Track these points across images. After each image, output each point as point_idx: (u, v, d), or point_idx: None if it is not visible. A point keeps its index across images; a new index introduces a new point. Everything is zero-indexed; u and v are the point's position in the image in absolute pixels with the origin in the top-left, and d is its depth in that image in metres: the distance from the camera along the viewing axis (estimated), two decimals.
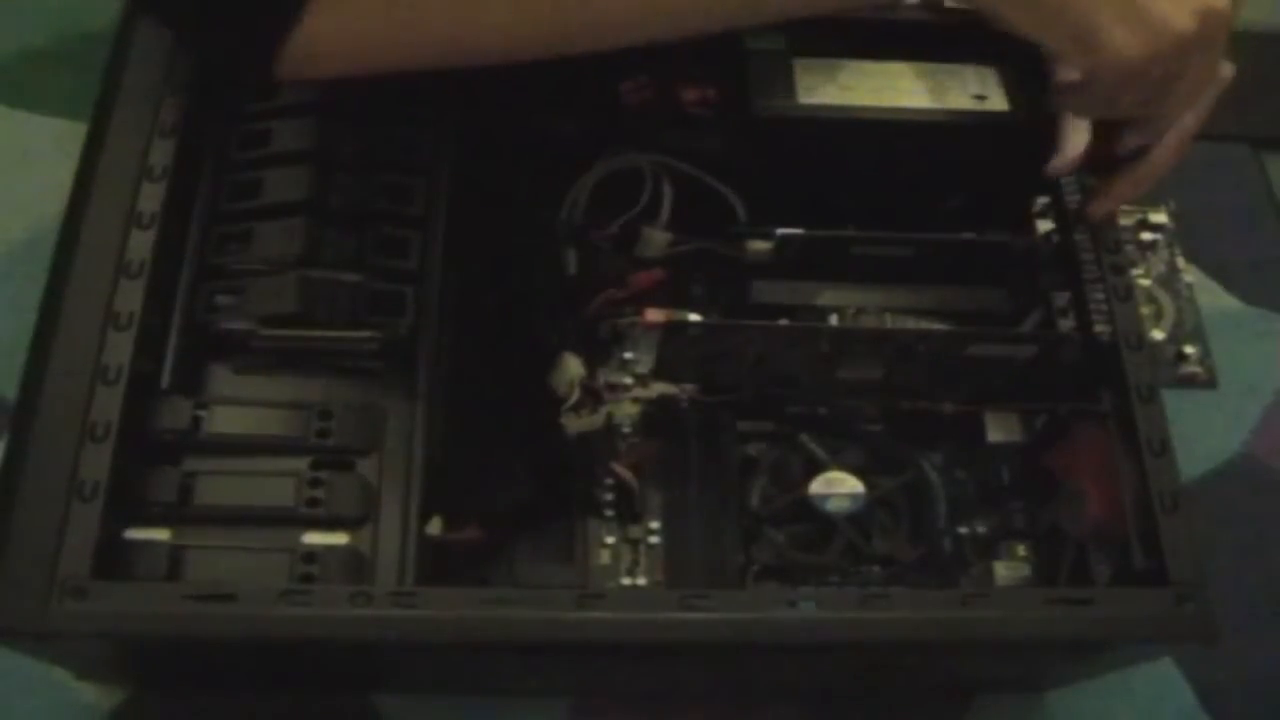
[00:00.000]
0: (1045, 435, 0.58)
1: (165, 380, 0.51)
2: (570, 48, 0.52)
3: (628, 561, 0.56)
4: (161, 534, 0.48)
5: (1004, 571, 0.57)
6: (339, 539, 0.49)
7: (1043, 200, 0.60)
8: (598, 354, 0.57)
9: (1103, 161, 0.57)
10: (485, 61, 0.53)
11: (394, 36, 0.51)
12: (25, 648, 0.48)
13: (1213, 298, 0.74)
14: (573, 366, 0.56)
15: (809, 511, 0.56)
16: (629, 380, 0.57)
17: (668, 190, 0.60)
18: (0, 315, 0.61)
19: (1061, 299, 0.58)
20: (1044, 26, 0.51)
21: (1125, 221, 0.73)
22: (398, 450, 0.51)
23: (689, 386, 0.57)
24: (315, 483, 0.49)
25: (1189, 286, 0.72)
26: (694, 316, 0.56)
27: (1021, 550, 0.58)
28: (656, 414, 0.57)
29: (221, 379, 0.52)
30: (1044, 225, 0.59)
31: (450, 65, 0.53)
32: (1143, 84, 0.51)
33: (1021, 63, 0.60)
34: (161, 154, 0.52)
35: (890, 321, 0.59)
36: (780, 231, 0.57)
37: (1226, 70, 0.55)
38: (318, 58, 0.51)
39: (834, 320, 0.59)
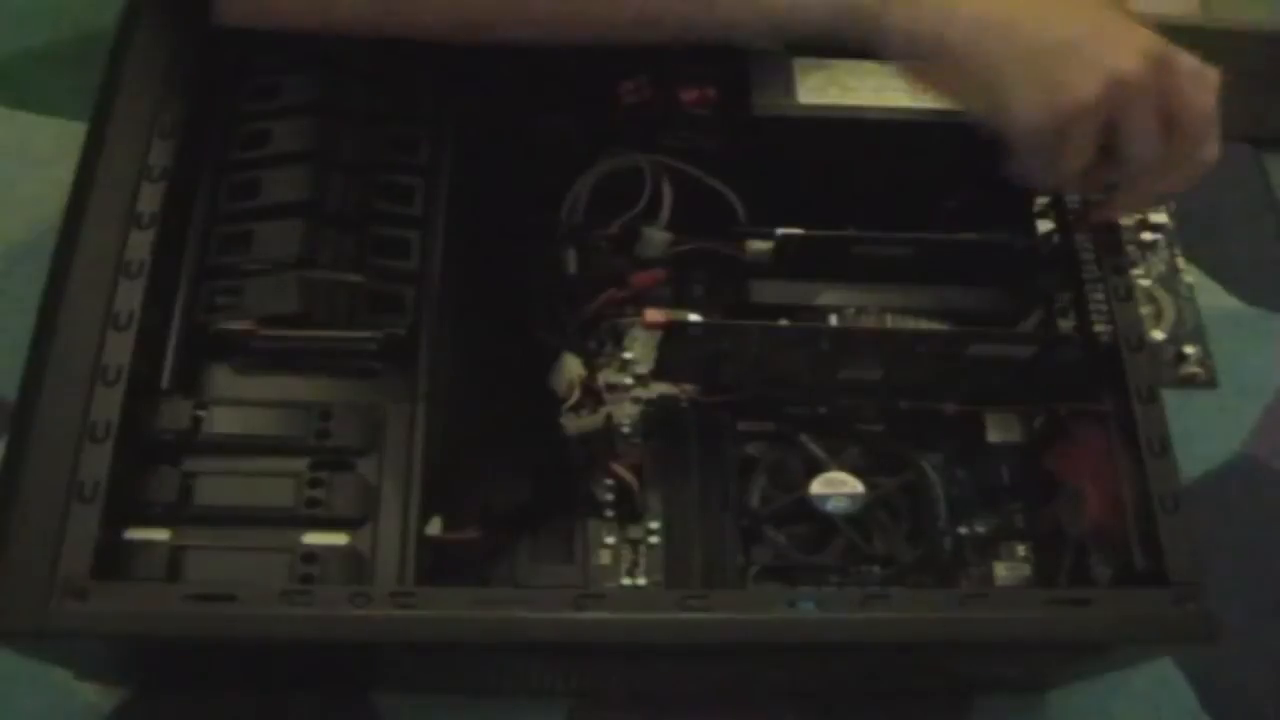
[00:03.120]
0: (1045, 435, 0.58)
1: (165, 380, 0.51)
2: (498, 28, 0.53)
3: (628, 561, 0.56)
4: (161, 534, 0.48)
5: (1004, 571, 0.57)
6: (339, 539, 0.49)
7: (1043, 200, 0.60)
8: (598, 354, 0.57)
9: None
10: (422, 33, 0.53)
11: None
12: (25, 648, 0.48)
13: (1213, 298, 0.74)
14: (573, 366, 0.56)
15: (809, 511, 0.56)
16: (629, 380, 0.57)
17: (668, 190, 0.60)
18: (0, 315, 0.61)
19: (1061, 299, 0.58)
20: (955, 83, 0.52)
21: (1125, 221, 0.73)
22: (398, 450, 0.51)
23: (689, 386, 0.57)
24: (315, 483, 0.49)
25: (1189, 286, 0.72)
26: (694, 316, 0.56)
27: (1021, 550, 0.58)
28: (656, 414, 0.57)
29: (221, 379, 0.52)
30: (1044, 225, 0.59)
31: (389, 31, 0.53)
32: (1075, 143, 0.52)
33: None
34: (161, 154, 0.52)
35: (890, 321, 0.59)
36: (780, 231, 0.57)
37: (1209, 152, 0.54)
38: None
39: (834, 320, 0.59)
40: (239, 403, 0.51)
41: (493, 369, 0.58)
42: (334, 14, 0.53)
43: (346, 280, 0.52)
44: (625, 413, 0.56)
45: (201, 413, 0.50)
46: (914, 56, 0.52)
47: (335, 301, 0.52)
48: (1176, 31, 0.58)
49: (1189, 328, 0.69)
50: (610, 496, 0.57)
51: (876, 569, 0.56)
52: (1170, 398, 0.53)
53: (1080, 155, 0.53)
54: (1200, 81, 0.52)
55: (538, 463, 0.56)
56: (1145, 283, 0.71)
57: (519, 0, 0.52)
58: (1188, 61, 0.52)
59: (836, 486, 0.56)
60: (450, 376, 0.54)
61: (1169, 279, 0.72)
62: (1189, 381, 0.65)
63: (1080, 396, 0.55)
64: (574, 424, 0.56)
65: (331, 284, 0.52)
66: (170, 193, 0.52)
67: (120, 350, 0.48)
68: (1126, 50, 0.50)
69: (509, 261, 0.59)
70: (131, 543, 0.47)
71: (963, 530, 0.58)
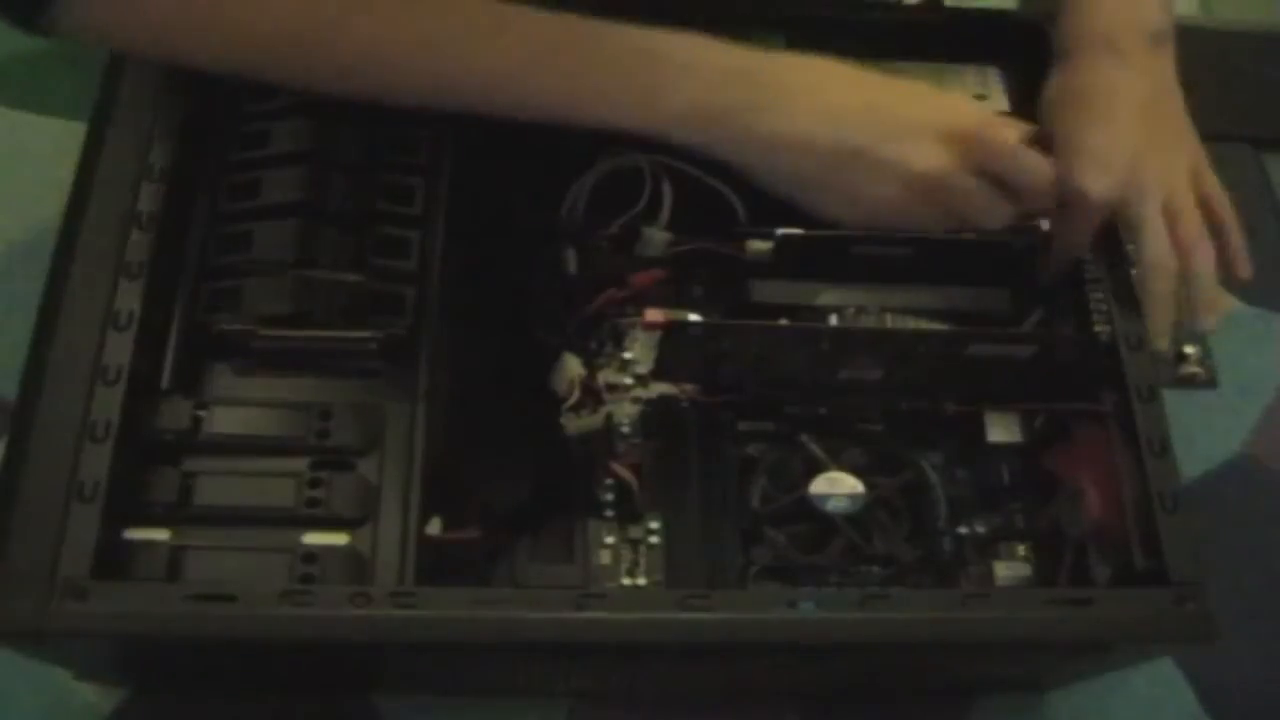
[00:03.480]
0: (1045, 435, 0.58)
1: (165, 380, 0.51)
2: (328, 83, 0.52)
3: (628, 561, 0.56)
4: (161, 534, 0.48)
5: (1004, 571, 0.57)
6: (339, 539, 0.49)
7: None
8: (598, 354, 0.57)
9: None
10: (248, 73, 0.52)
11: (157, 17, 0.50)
12: (25, 648, 0.48)
13: None
14: (573, 366, 0.56)
15: (809, 511, 0.56)
16: (629, 380, 0.57)
17: (668, 190, 0.60)
18: (0, 315, 0.61)
19: (1062, 299, 0.58)
20: (771, 189, 0.54)
21: None
22: (398, 450, 0.51)
23: (689, 386, 0.57)
24: (315, 483, 0.49)
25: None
26: (694, 316, 0.56)
27: (1021, 550, 0.58)
28: (656, 414, 0.57)
29: (221, 379, 0.52)
30: (1044, 225, 0.59)
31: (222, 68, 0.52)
32: (917, 224, 0.54)
33: (1023, 63, 0.60)
34: (161, 154, 0.52)
35: (890, 321, 0.58)
36: (780, 231, 0.57)
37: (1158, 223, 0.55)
38: (90, 20, 0.49)
39: (834, 320, 0.59)
40: (239, 403, 0.51)
41: (493, 369, 0.57)
42: (163, 50, 0.52)
43: (346, 280, 0.52)
44: (625, 413, 0.56)
45: (201, 413, 0.50)
46: (728, 166, 0.54)
47: (334, 301, 0.52)
48: (1177, 32, 0.58)
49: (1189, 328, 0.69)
50: (610, 496, 0.57)
51: (876, 569, 0.56)
52: (1170, 398, 0.53)
53: (934, 229, 0.54)
54: (1021, 154, 0.53)
55: (538, 463, 0.56)
56: None
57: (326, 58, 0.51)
58: (1005, 132, 0.53)
59: (836, 486, 0.56)
60: (450, 376, 0.54)
61: None
62: (1189, 381, 0.65)
63: (1080, 396, 0.55)
64: (574, 424, 0.56)
65: (330, 284, 0.52)
66: (170, 193, 0.52)
67: (120, 350, 0.48)
68: (922, 147, 0.51)
69: (509, 261, 0.59)
70: (131, 543, 0.47)
71: (963, 530, 0.58)
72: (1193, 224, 0.56)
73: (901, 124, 0.52)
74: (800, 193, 0.53)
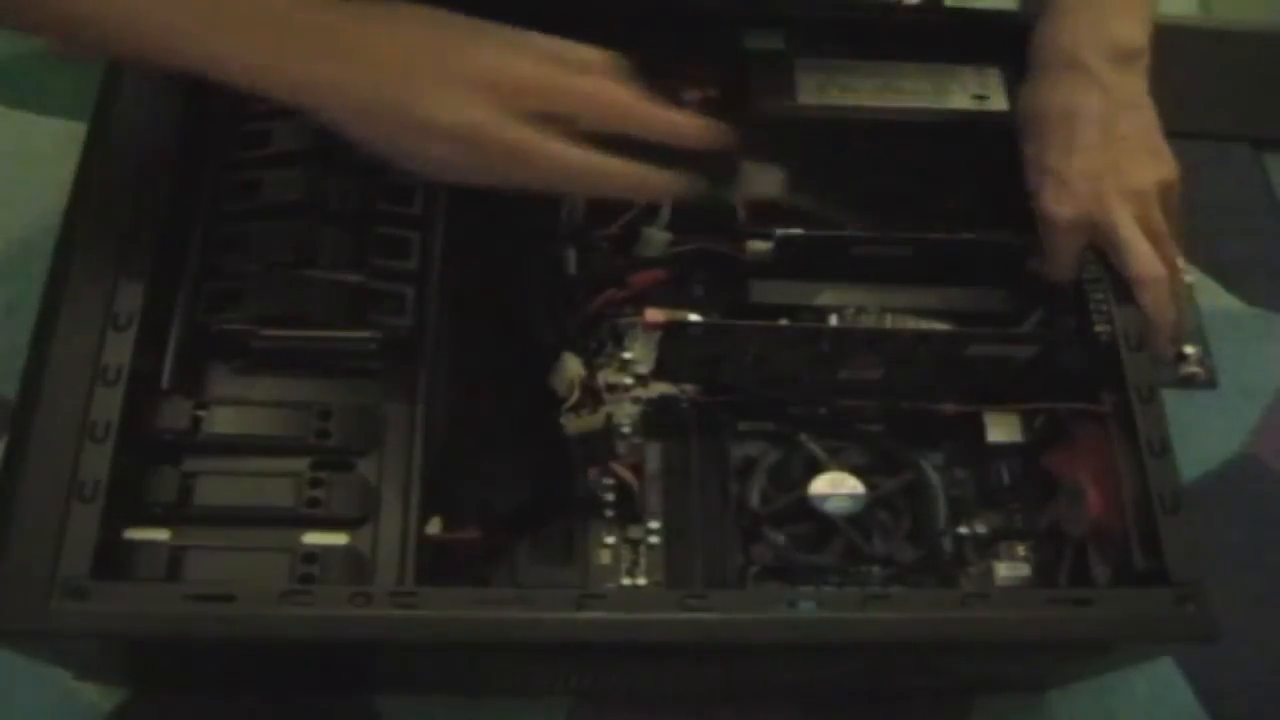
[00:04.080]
0: (1045, 435, 0.58)
1: (165, 380, 0.51)
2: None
3: (628, 561, 0.56)
4: (161, 534, 0.48)
5: (1004, 571, 0.57)
6: (339, 539, 0.49)
7: None
8: (598, 354, 0.57)
9: None
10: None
11: None
12: (25, 648, 0.48)
13: (1213, 298, 0.74)
14: (573, 366, 0.56)
15: (809, 511, 0.56)
16: (629, 380, 0.57)
17: None
18: (0, 315, 0.61)
19: (1062, 299, 0.58)
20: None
21: None
22: (398, 450, 0.51)
23: (689, 386, 0.57)
24: (315, 483, 0.49)
25: (1189, 286, 0.72)
26: (694, 316, 0.56)
27: (1021, 550, 0.58)
28: (656, 414, 0.57)
29: (221, 379, 0.52)
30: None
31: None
32: None
33: (1023, 63, 0.60)
34: (161, 154, 0.52)
35: (890, 321, 0.58)
36: (780, 231, 0.57)
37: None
38: None
39: (834, 320, 0.59)
40: (239, 403, 0.51)
41: (493, 369, 0.57)
42: None
43: (346, 280, 0.52)
44: (625, 413, 0.56)
45: (201, 413, 0.50)
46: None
47: (334, 301, 0.52)
48: (1177, 32, 0.58)
49: (1189, 328, 0.69)
50: (610, 496, 0.57)
51: (876, 569, 0.56)
52: (1170, 398, 0.53)
53: (563, 191, 0.52)
54: (603, 93, 0.48)
55: (538, 463, 0.56)
56: None
57: None
58: (599, 82, 0.48)
59: (836, 486, 0.56)
60: (450, 376, 0.54)
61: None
62: (1189, 381, 0.65)
63: (1080, 396, 0.55)
64: (574, 424, 0.56)
65: (330, 284, 0.52)
66: (170, 193, 0.52)
67: (120, 350, 0.48)
68: (452, 98, 0.45)
69: (509, 261, 0.59)
70: (131, 543, 0.47)
71: (963, 530, 0.58)
72: (1168, 245, 0.56)
73: (436, 75, 0.46)
74: (379, 153, 0.48)
